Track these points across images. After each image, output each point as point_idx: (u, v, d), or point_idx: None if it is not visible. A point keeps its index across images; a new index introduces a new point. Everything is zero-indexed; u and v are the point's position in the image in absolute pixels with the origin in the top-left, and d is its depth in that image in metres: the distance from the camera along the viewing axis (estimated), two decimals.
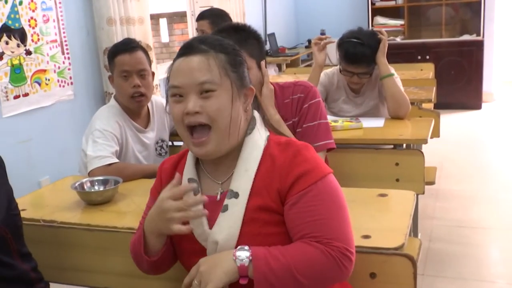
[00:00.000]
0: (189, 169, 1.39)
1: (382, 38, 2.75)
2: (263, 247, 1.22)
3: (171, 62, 1.33)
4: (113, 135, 2.31)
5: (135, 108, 2.43)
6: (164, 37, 7.41)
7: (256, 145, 1.32)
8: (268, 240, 1.26)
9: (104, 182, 1.99)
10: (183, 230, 1.23)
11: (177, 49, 6.94)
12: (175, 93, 1.28)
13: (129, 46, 2.37)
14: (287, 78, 3.99)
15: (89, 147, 2.25)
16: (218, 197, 1.33)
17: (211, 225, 1.30)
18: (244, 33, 1.97)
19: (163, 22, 7.32)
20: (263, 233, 1.26)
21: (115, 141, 2.31)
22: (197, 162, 1.40)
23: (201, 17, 3.52)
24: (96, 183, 1.99)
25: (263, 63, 2.04)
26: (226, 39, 1.36)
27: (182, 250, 1.38)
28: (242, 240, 1.26)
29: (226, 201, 1.29)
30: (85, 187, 1.98)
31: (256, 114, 1.39)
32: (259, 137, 1.34)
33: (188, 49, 1.29)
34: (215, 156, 1.31)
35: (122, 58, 2.35)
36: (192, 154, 1.39)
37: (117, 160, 2.25)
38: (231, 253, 1.21)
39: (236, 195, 1.29)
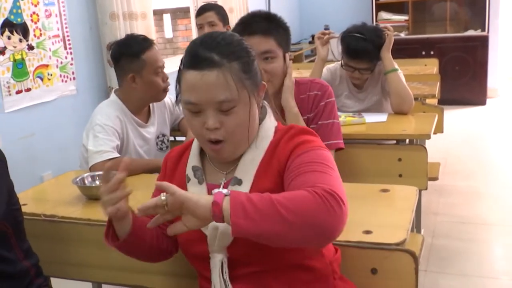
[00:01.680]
0: (193, 157, 1.39)
1: (388, 33, 2.74)
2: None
3: (176, 56, 1.30)
4: (114, 129, 2.30)
5: (161, 99, 2.48)
6: (168, 33, 7.40)
7: (265, 135, 1.33)
8: None
9: None
10: (110, 212, 1.21)
11: (180, 44, 6.94)
12: (192, 110, 1.25)
13: (151, 42, 2.38)
14: None
15: (90, 142, 2.24)
16: (222, 186, 1.33)
17: None
18: (275, 22, 1.99)
19: (166, 17, 7.32)
20: None
21: (116, 136, 2.30)
22: (202, 150, 1.39)
23: (205, 9, 3.45)
24: (97, 178, 1.98)
25: (287, 55, 2.04)
26: (231, 36, 1.30)
27: (183, 238, 1.37)
28: None
29: (229, 187, 1.29)
30: (86, 182, 1.97)
31: (265, 102, 1.40)
32: (269, 126, 1.35)
33: (197, 61, 1.22)
34: (233, 158, 1.32)
35: (153, 55, 2.34)
36: (198, 143, 1.38)
37: (118, 155, 2.24)
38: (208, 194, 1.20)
39: (239, 182, 1.29)
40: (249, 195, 1.10)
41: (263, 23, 1.95)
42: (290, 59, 2.06)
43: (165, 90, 2.44)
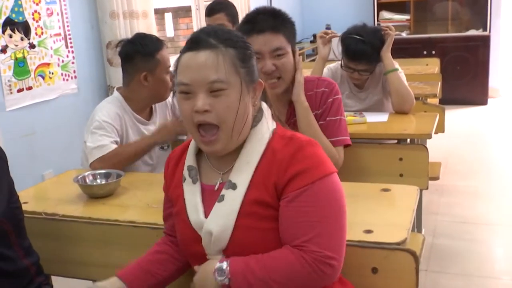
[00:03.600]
0: (189, 157, 1.38)
1: (390, 33, 2.74)
2: (242, 261, 1.22)
3: (178, 54, 1.30)
4: (112, 126, 2.29)
5: (166, 98, 2.49)
6: (169, 32, 7.40)
7: (261, 138, 1.30)
8: (262, 235, 1.25)
9: (107, 176, 1.99)
10: None
11: (182, 43, 6.94)
12: (184, 90, 1.25)
13: (163, 43, 2.40)
14: None
15: (89, 139, 2.25)
16: (216, 187, 1.32)
17: (207, 214, 1.30)
18: (281, 17, 1.99)
19: (168, 16, 7.31)
20: (258, 228, 1.25)
21: (115, 133, 2.30)
22: (200, 150, 1.39)
23: (215, 11, 3.38)
24: (99, 176, 1.99)
25: (296, 49, 2.05)
26: (232, 30, 1.33)
27: (182, 237, 1.37)
28: (237, 233, 1.25)
29: (223, 191, 1.28)
30: (87, 180, 1.98)
31: (264, 105, 1.37)
32: (265, 130, 1.32)
33: (195, 43, 1.25)
34: (223, 153, 1.30)
35: (165, 54, 2.37)
36: (194, 143, 1.38)
37: (116, 146, 2.24)
38: (212, 272, 1.22)
39: (234, 186, 1.27)
40: (247, 277, 1.19)
41: (271, 19, 1.96)
42: (299, 55, 2.07)
43: (171, 89, 2.44)
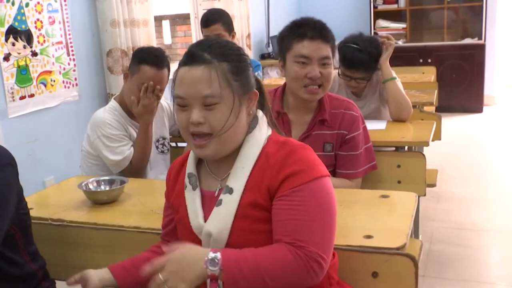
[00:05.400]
0: (190, 165, 1.44)
1: (391, 43, 2.80)
2: (235, 252, 1.22)
3: (177, 65, 1.36)
4: (122, 135, 2.42)
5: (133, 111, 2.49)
6: (167, 39, 7.44)
7: (255, 143, 1.35)
8: (258, 237, 1.29)
9: (110, 182, 2.02)
10: None
11: (179, 51, 6.99)
12: (180, 103, 1.31)
13: (160, 62, 2.38)
14: None
15: (108, 153, 2.39)
16: (216, 193, 1.37)
17: (206, 219, 1.35)
18: (330, 31, 2.15)
19: (165, 24, 7.36)
20: (254, 230, 1.30)
21: (127, 139, 2.44)
22: (200, 158, 1.44)
23: (211, 22, 3.41)
24: (103, 183, 2.02)
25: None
26: (228, 42, 1.38)
27: (181, 240, 1.40)
28: (234, 235, 1.30)
29: (221, 196, 1.34)
30: (91, 186, 2.01)
31: (259, 113, 1.42)
32: (259, 135, 1.37)
33: (191, 57, 1.31)
34: (215, 158, 1.36)
35: (148, 71, 2.35)
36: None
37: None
38: (203, 260, 1.19)
39: (230, 190, 1.32)
40: (239, 263, 1.19)
41: (322, 30, 2.11)
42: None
43: (143, 104, 2.38)
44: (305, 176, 1.26)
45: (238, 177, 1.33)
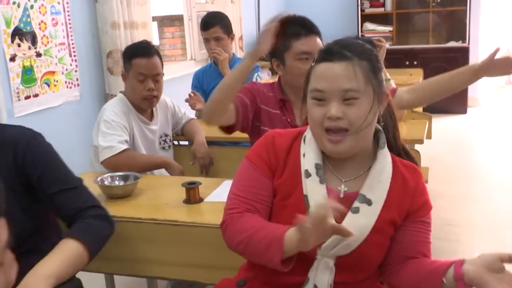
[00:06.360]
0: (314, 153, 1.38)
1: (382, 45, 2.93)
2: None
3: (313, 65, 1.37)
4: (121, 125, 2.42)
5: (145, 107, 2.57)
6: (155, 40, 7.53)
7: (388, 160, 1.38)
8: (381, 251, 1.38)
9: (124, 178, 2.11)
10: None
11: (167, 52, 7.05)
12: (317, 97, 1.32)
13: (147, 50, 2.49)
14: None
15: (100, 138, 2.37)
16: (342, 194, 1.37)
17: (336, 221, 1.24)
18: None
19: (154, 25, 7.44)
20: (382, 244, 1.37)
21: (124, 131, 2.43)
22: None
23: (210, 24, 3.48)
24: (117, 178, 2.11)
25: None
26: (364, 43, 1.38)
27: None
28: (364, 245, 1.32)
29: (356, 204, 1.34)
30: (106, 182, 2.09)
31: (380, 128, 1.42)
32: (388, 152, 1.40)
33: (330, 54, 1.32)
34: (347, 155, 1.35)
35: (140, 62, 2.46)
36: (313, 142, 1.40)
37: (126, 147, 2.37)
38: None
39: (369, 202, 1.34)
40: None
41: (312, 24, 2.30)
42: None
43: (145, 98, 2.50)
44: (429, 207, 1.43)
45: (376, 191, 1.34)
